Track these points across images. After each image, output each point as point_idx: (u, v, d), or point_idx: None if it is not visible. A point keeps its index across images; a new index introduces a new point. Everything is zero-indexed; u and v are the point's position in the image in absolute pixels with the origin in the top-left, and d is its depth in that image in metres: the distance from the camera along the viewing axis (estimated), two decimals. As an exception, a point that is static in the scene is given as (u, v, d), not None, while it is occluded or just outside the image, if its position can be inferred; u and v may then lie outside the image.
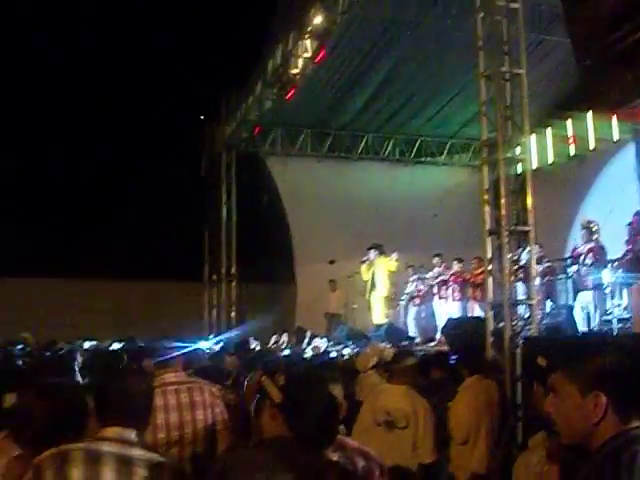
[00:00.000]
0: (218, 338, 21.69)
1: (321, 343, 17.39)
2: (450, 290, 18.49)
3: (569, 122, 20.17)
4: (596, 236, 14.81)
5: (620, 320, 13.68)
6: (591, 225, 15.09)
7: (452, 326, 13.98)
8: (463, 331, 12.31)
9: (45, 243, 25.86)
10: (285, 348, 18.45)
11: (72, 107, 26.65)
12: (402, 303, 20.12)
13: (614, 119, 17.99)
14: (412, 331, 19.00)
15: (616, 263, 14.25)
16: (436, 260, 18.96)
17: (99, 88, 26.52)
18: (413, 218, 21.79)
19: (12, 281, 26.35)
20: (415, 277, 19.61)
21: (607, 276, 13.98)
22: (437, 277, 18.89)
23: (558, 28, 15.15)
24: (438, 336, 16.80)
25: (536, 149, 19.08)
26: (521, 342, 9.99)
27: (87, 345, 18.05)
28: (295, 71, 18.83)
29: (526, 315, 10.53)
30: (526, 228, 10.70)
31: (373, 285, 18.31)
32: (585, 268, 14.32)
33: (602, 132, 18.64)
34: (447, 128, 22.98)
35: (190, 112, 25.42)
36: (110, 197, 27.08)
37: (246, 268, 24.31)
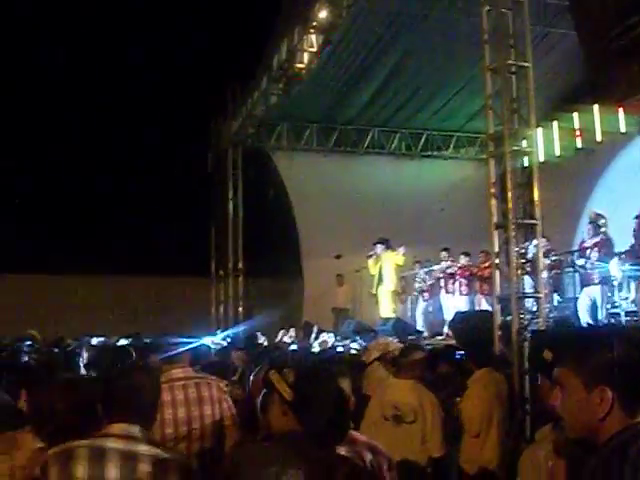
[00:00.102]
0: (225, 333, 21.76)
1: (328, 338, 17.39)
2: (457, 284, 18.50)
3: (576, 115, 20.10)
4: (604, 229, 14.78)
5: (628, 313, 13.66)
6: (599, 218, 15.07)
7: (459, 320, 13.98)
8: (470, 325, 12.30)
9: (51, 240, 25.90)
10: (292, 343, 18.45)
11: (78, 104, 26.68)
12: (412, 297, 20.13)
13: (621, 112, 17.93)
14: (420, 325, 19.00)
15: (623, 256, 14.23)
16: (444, 254, 18.97)
17: (105, 85, 26.56)
18: (420, 212, 21.76)
19: (18, 278, 26.43)
20: (423, 271, 19.61)
21: (615, 269, 13.96)
22: (444, 270, 18.89)
23: (564, 21, 15.14)
24: (446, 330, 16.81)
25: (542, 142, 19.01)
26: (528, 336, 10.00)
27: (94, 341, 18.09)
28: (300, 66, 18.82)
29: (533, 308, 10.53)
30: (533, 221, 10.69)
31: (380, 279, 18.31)
32: (592, 261, 14.29)
33: (609, 125, 18.57)
34: (453, 122, 22.92)
35: (196, 108, 25.42)
36: (117, 194, 27.11)
37: (253, 263, 24.33)
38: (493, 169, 11.12)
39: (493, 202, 10.87)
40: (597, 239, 14.47)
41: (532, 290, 10.74)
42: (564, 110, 20.10)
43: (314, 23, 17.54)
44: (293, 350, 15.36)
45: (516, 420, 8.17)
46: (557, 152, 20.56)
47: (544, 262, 12.59)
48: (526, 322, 10.26)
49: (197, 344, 6.32)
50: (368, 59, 18.67)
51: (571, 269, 15.45)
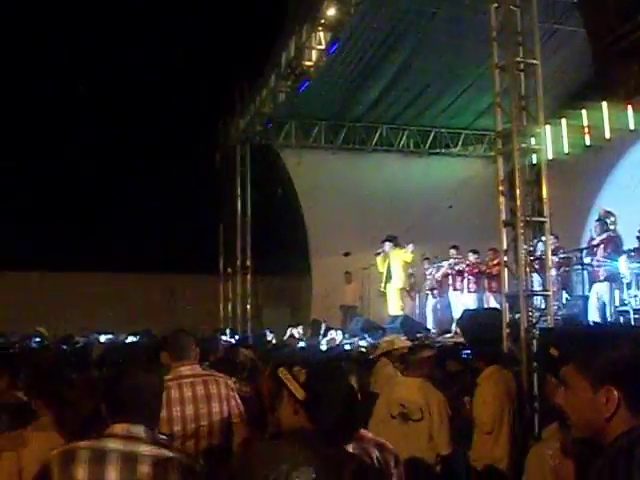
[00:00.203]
0: (234, 330, 21.81)
1: (336, 335, 17.40)
2: (466, 281, 18.49)
3: (584, 112, 20.09)
4: (613, 227, 14.75)
5: (636, 311, 13.60)
6: (608, 216, 15.04)
7: (468, 318, 13.95)
8: (479, 323, 12.29)
9: (59, 238, 25.93)
10: (300, 340, 18.46)
11: (85, 103, 26.76)
12: (422, 295, 20.13)
13: (629, 109, 17.90)
14: (430, 322, 18.99)
15: (633, 253, 14.19)
16: (452, 252, 18.96)
17: (112, 83, 26.59)
18: (428, 210, 21.72)
19: (26, 275, 26.50)
20: (431, 269, 19.61)
21: (623, 266, 13.92)
22: (452, 267, 18.88)
23: (572, 18, 15.14)
24: (454, 328, 16.80)
25: (551, 139, 19.01)
26: (537, 333, 9.99)
27: (103, 339, 18.14)
28: (309, 63, 18.83)
29: (542, 306, 10.52)
30: (541, 219, 10.68)
31: (389, 277, 18.32)
32: (600, 259, 14.26)
33: (617, 122, 18.55)
34: (462, 119, 22.90)
35: (204, 106, 25.44)
36: (126, 192, 27.14)
37: (261, 261, 24.35)
38: (501, 166, 11.12)
39: (501, 200, 10.86)
40: (604, 236, 14.44)
41: (540, 288, 10.73)
42: (573, 107, 20.08)
43: (322, 21, 17.55)
44: (301, 348, 15.38)
45: (525, 418, 8.17)
46: (566, 149, 20.55)
47: (552, 260, 12.58)
48: (534, 320, 10.25)
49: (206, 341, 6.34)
50: (376, 56, 18.67)
51: (579, 267, 15.42)
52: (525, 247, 10.45)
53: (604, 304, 13.99)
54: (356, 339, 16.56)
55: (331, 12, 17.14)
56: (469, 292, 18.35)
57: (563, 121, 20.65)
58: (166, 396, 5.33)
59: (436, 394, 7.14)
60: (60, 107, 26.30)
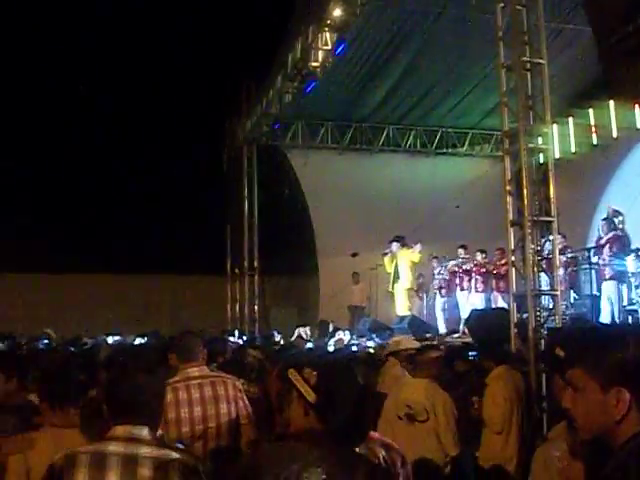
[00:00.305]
0: (241, 331, 21.82)
1: (344, 336, 17.39)
2: (473, 281, 18.47)
3: (591, 111, 20.06)
4: (621, 226, 14.73)
5: (644, 310, 13.59)
6: (616, 215, 15.02)
7: (475, 318, 13.94)
8: (487, 323, 12.27)
9: (67, 239, 25.99)
10: (308, 341, 18.47)
11: (90, 104, 26.81)
12: (430, 294, 20.11)
13: (637, 108, 17.87)
14: (440, 322, 18.95)
15: (640, 252, 14.17)
16: (461, 251, 18.94)
17: (119, 83, 26.62)
18: (435, 210, 21.68)
19: (33, 277, 26.55)
20: (440, 268, 19.59)
21: (631, 265, 13.90)
22: (460, 265, 18.86)
23: (579, 17, 15.09)
24: (462, 327, 16.79)
25: (558, 139, 18.99)
26: (545, 333, 9.98)
27: (111, 340, 18.15)
28: (315, 64, 18.83)
29: (550, 306, 10.50)
30: (549, 218, 10.67)
31: (396, 277, 18.31)
32: (603, 257, 14.22)
33: (624, 121, 18.52)
34: (468, 119, 22.89)
35: (211, 107, 25.48)
36: (133, 193, 27.19)
37: (268, 261, 24.37)
38: (509, 166, 11.10)
39: (509, 199, 10.85)
40: (611, 235, 14.41)
41: (548, 287, 10.71)
42: (580, 106, 20.05)
43: (328, 21, 17.53)
44: (309, 348, 15.37)
45: (533, 418, 8.16)
46: (573, 149, 20.53)
47: (560, 259, 12.56)
48: (542, 319, 10.23)
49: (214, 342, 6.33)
50: (383, 57, 18.66)
51: (587, 266, 15.39)
52: (532, 247, 10.44)
53: (612, 303, 13.96)
54: (364, 339, 16.56)
55: (337, 13, 17.12)
56: (477, 292, 18.34)
57: (570, 120, 20.62)
58: (174, 397, 5.34)
59: (441, 395, 7.13)
60: (64, 108, 26.38)
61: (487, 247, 18.09)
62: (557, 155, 16.52)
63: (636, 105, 17.28)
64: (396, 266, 18.28)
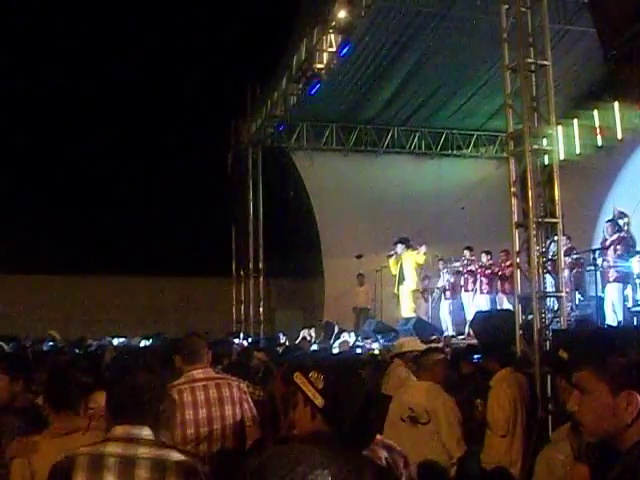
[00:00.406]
0: (247, 333, 21.83)
1: (349, 337, 17.40)
2: (479, 283, 18.44)
3: (596, 113, 20.05)
4: (626, 227, 14.69)
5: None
6: (621, 216, 14.98)
7: (480, 319, 13.93)
8: (492, 325, 12.26)
9: (71, 241, 26.04)
10: (313, 343, 18.48)
11: (93, 105, 26.87)
12: (434, 296, 20.08)
13: (641, 109, 17.85)
14: (447, 325, 18.89)
15: (646, 253, 14.13)
16: (466, 253, 18.91)
17: (124, 85, 26.65)
18: (440, 211, 21.70)
19: (39, 279, 26.57)
20: (445, 269, 19.57)
21: (637, 266, 13.87)
22: (465, 266, 18.83)
23: (583, 18, 15.07)
24: (467, 329, 16.78)
25: (563, 140, 18.98)
26: (550, 335, 9.96)
27: (116, 342, 18.18)
28: (320, 66, 18.83)
29: (555, 307, 10.48)
30: (554, 220, 10.65)
31: (401, 279, 18.29)
32: (612, 260, 14.19)
33: (629, 122, 18.49)
34: (473, 120, 22.89)
35: (216, 109, 25.50)
36: (138, 195, 27.21)
37: (273, 263, 24.39)
38: (513, 168, 11.08)
39: (514, 201, 10.83)
40: (615, 237, 14.38)
41: (553, 289, 10.69)
42: (584, 108, 20.03)
43: (333, 23, 17.54)
44: (314, 350, 15.38)
45: (537, 420, 8.15)
46: (577, 150, 20.51)
47: (565, 261, 12.54)
48: (547, 321, 10.21)
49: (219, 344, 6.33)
50: (387, 58, 18.68)
51: (592, 267, 15.36)
52: (537, 248, 10.43)
53: (619, 303, 13.92)
54: (369, 341, 16.56)
55: (342, 14, 17.11)
56: (482, 293, 18.31)
57: (575, 122, 20.61)
58: (179, 399, 5.34)
59: (442, 397, 7.12)
60: (68, 109, 26.45)
61: (492, 249, 18.07)
62: (562, 156, 16.49)
63: (641, 106, 17.24)
64: (401, 268, 18.26)
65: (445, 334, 17.72)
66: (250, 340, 19.56)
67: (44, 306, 25.35)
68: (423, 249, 18.07)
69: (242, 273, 24.92)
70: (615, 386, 2.40)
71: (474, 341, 13.07)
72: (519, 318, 10.46)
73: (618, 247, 14.17)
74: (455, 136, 23.97)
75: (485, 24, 15.20)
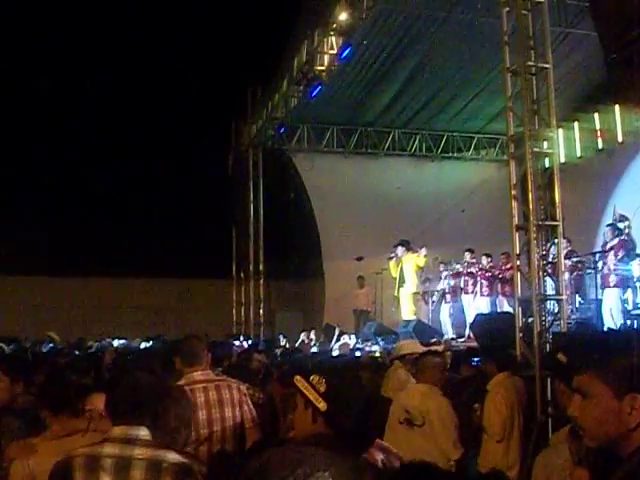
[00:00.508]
0: (247, 335, 21.82)
1: (350, 340, 17.40)
2: (479, 285, 18.44)
3: (596, 115, 20.06)
4: (626, 230, 14.68)
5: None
6: (622, 220, 14.97)
7: (481, 322, 13.92)
8: (492, 327, 12.25)
9: (71, 243, 26.03)
10: (313, 345, 18.48)
11: (95, 106, 26.87)
12: (435, 299, 20.07)
13: (642, 112, 17.84)
14: (448, 328, 18.87)
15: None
16: (467, 255, 18.90)
17: (125, 87, 26.67)
18: (440, 214, 21.70)
19: (40, 280, 26.58)
20: (446, 272, 19.55)
21: (637, 269, 13.86)
22: (465, 269, 18.81)
23: (584, 21, 15.10)
24: (467, 332, 16.77)
25: (563, 143, 18.98)
26: (550, 338, 9.96)
27: (116, 344, 18.19)
28: (321, 68, 18.83)
29: (555, 310, 10.48)
30: (554, 223, 10.64)
31: (402, 281, 18.29)
32: (612, 265, 14.17)
33: (630, 125, 18.49)
34: (474, 123, 22.90)
35: (216, 111, 25.51)
36: (138, 197, 27.22)
37: (274, 265, 24.39)
38: (514, 170, 11.08)
39: (514, 204, 10.82)
40: (616, 242, 14.36)
41: (553, 292, 10.68)
42: (585, 111, 20.05)
43: (334, 25, 17.52)
44: (314, 353, 15.38)
45: (537, 423, 8.14)
46: (578, 153, 20.52)
47: (565, 263, 12.53)
48: (547, 324, 10.21)
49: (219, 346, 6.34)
50: (388, 61, 18.70)
51: (592, 270, 15.36)
52: (538, 251, 10.42)
53: (617, 308, 13.90)
54: (369, 344, 16.56)
55: (343, 17, 17.10)
56: (482, 296, 18.30)
57: (575, 124, 20.63)
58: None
59: (437, 400, 7.12)
60: (69, 111, 26.47)
61: (492, 251, 18.05)
62: (562, 159, 16.51)
63: (642, 109, 17.24)
64: (401, 270, 18.26)
65: (445, 337, 17.70)
66: (250, 342, 19.55)
67: (44, 307, 25.35)
68: (423, 252, 18.08)
69: (242, 275, 24.94)
70: (619, 389, 2.36)
71: (474, 344, 13.07)
72: (519, 321, 10.45)
73: (619, 252, 14.15)
74: (456, 139, 23.98)
75: (486, 27, 15.22)
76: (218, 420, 5.50)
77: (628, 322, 13.42)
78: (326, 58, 18.69)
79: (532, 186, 10.52)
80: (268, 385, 7.25)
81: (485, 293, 18.26)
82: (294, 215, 23.86)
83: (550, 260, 10.61)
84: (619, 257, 14.01)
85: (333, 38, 18.08)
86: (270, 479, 2.92)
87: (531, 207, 10.48)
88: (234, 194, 24.91)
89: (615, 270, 13.94)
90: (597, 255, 15.04)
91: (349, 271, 21.47)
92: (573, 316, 14.23)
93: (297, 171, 23.64)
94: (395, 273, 18.45)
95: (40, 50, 25.88)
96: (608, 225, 15.05)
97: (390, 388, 8.62)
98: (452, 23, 17.07)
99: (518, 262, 10.91)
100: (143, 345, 17.57)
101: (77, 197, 27.16)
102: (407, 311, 18.24)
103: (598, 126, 20.14)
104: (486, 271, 18.25)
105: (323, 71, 18.89)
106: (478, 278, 18.48)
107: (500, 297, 17.79)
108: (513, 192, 10.89)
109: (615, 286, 13.88)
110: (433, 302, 20.09)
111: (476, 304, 18.22)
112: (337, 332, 18.74)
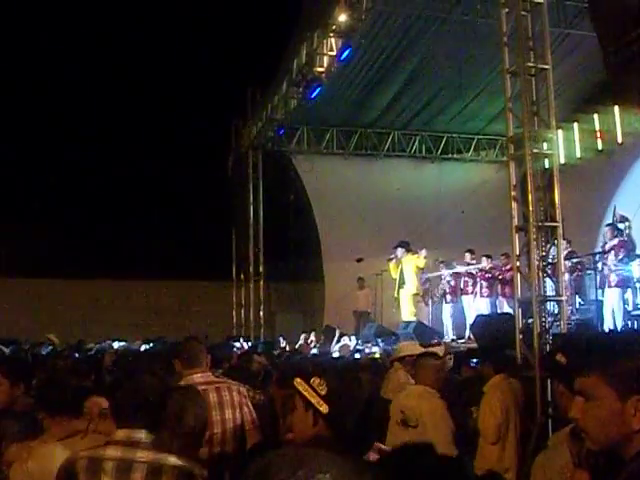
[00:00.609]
0: (247, 337, 21.81)
1: (350, 341, 17.39)
2: (479, 286, 18.44)
3: (596, 116, 20.05)
4: (627, 231, 14.68)
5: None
6: (622, 220, 14.97)
7: (480, 323, 13.92)
8: (492, 328, 12.25)
9: (71, 245, 26.03)
10: (314, 347, 18.47)
11: (96, 107, 26.87)
12: (435, 299, 20.06)
13: (642, 113, 17.84)
14: (449, 329, 18.87)
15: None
16: (467, 256, 18.90)
17: (125, 88, 26.67)
18: (440, 215, 21.70)
19: (40, 282, 26.57)
20: (447, 273, 19.55)
21: (637, 270, 13.86)
22: (466, 270, 18.82)
23: (583, 22, 15.10)
24: (467, 333, 16.77)
25: (563, 144, 18.96)
26: (550, 339, 9.95)
27: (116, 345, 18.18)
28: (320, 69, 18.82)
29: (555, 311, 10.47)
30: (554, 224, 10.64)
31: (402, 282, 18.27)
32: (612, 265, 14.16)
33: (629, 126, 18.48)
34: (473, 124, 22.90)
35: (216, 112, 25.51)
36: (137, 199, 27.21)
37: (273, 267, 24.38)
38: (514, 171, 11.08)
39: (514, 205, 10.83)
40: (615, 242, 14.36)
41: (553, 293, 10.68)
42: (584, 112, 20.04)
43: (334, 27, 17.51)
44: (314, 354, 15.38)
45: (536, 425, 8.13)
46: (578, 154, 20.50)
47: (565, 264, 12.53)
48: (547, 325, 10.21)
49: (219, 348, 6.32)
50: (388, 62, 18.70)
51: (592, 271, 15.35)
52: (538, 252, 10.42)
53: (619, 308, 13.90)
54: (369, 345, 16.55)
55: (342, 18, 17.10)
56: (482, 297, 18.31)
57: (575, 125, 20.61)
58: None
59: (431, 401, 7.11)
60: (68, 111, 26.44)
61: (492, 252, 18.06)
62: (562, 160, 16.49)
63: (641, 110, 17.24)
64: (401, 272, 18.24)
65: (446, 338, 17.71)
66: (250, 344, 19.54)
67: (43, 309, 25.33)
68: (423, 253, 18.06)
69: (242, 277, 24.93)
70: (623, 392, 2.32)
71: (475, 345, 13.06)
72: (519, 322, 10.45)
73: (619, 252, 14.14)
74: (455, 140, 23.99)
75: (485, 28, 15.19)
76: (218, 422, 5.49)
77: (629, 323, 13.44)
78: (326, 59, 18.68)
79: (532, 187, 10.52)
80: (268, 387, 7.24)
81: (485, 294, 18.28)
82: (294, 217, 23.87)
83: (550, 261, 10.61)
84: (619, 257, 14.01)
85: (333, 39, 18.07)
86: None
87: (531, 208, 10.48)
88: (234, 196, 24.90)
89: (616, 270, 13.95)
90: (597, 256, 15.04)
91: (349, 272, 21.47)
92: (573, 317, 14.23)
93: (297, 172, 23.64)
94: (395, 274, 18.43)
95: (40, 50, 25.88)
96: (607, 225, 15.06)
97: (390, 390, 8.61)
98: (451, 24, 17.07)
99: (518, 263, 10.91)
100: (143, 347, 17.57)
101: (76, 199, 27.14)
102: (407, 312, 18.22)
103: (598, 127, 20.13)
104: (486, 272, 18.26)
105: (323, 72, 18.88)
106: (478, 279, 18.49)
107: (500, 298, 17.81)
108: (513, 193, 10.89)
109: (616, 286, 13.88)
110: (433, 303, 20.10)
111: (476, 305, 18.23)
112: (337, 334, 18.73)
